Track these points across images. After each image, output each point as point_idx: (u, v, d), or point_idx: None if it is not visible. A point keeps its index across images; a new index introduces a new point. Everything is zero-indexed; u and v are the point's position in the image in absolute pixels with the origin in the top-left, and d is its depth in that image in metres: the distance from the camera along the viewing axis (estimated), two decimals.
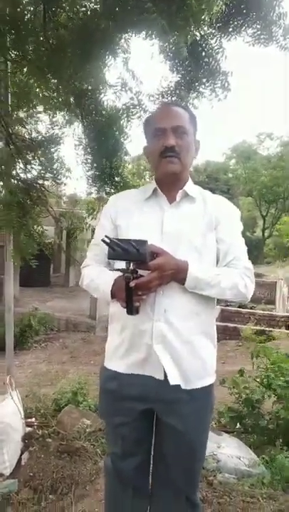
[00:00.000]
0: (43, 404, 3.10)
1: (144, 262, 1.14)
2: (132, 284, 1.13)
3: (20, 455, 2.34)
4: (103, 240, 1.13)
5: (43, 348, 8.61)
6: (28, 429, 2.60)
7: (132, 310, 1.18)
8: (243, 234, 1.40)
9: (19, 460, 2.31)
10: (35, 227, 2.81)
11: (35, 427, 2.71)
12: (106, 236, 1.13)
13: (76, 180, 3.64)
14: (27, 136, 3.27)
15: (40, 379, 5.34)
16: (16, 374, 5.47)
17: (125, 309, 1.18)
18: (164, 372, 1.24)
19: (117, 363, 1.34)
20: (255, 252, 24.73)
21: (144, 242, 1.12)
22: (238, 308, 11.05)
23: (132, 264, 1.14)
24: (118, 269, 1.17)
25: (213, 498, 2.11)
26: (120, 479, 1.42)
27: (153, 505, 1.45)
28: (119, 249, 1.10)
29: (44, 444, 2.48)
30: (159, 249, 1.20)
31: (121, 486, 1.42)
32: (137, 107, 3.08)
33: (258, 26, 2.82)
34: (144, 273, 1.17)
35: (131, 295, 1.15)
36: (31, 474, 2.18)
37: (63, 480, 2.15)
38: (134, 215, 1.34)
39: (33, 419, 2.84)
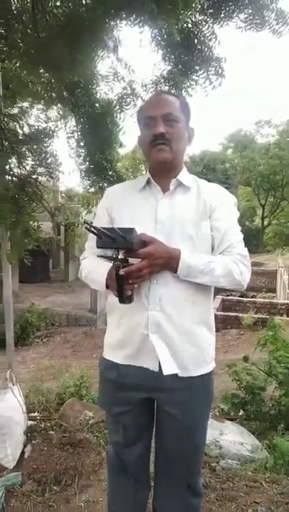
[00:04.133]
0: (46, 398, 3.12)
1: (132, 249, 1.14)
2: (122, 272, 1.12)
3: (23, 448, 2.36)
4: (87, 229, 1.12)
5: (44, 343, 8.65)
6: (31, 422, 2.62)
7: (123, 298, 1.17)
8: (242, 223, 1.39)
9: (22, 453, 2.32)
10: (30, 222, 2.79)
11: (38, 420, 2.73)
12: (90, 225, 1.11)
13: (69, 174, 3.63)
14: (20, 131, 3.25)
15: (42, 374, 5.36)
16: (19, 369, 5.51)
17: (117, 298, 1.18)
18: (159, 363, 1.23)
19: (114, 353, 1.34)
20: (255, 241, 24.73)
21: (131, 229, 1.12)
22: (240, 298, 11.09)
23: (121, 253, 1.14)
24: (106, 257, 1.17)
25: (216, 484, 2.13)
26: (122, 467, 1.43)
27: (155, 493, 1.46)
28: (106, 237, 1.09)
29: (47, 436, 2.49)
30: (150, 237, 1.20)
31: (122, 474, 1.43)
32: (131, 96, 3.04)
33: (250, 11, 2.77)
34: (135, 262, 1.16)
35: (121, 283, 1.15)
36: (34, 467, 2.19)
37: (67, 471, 2.16)
38: (128, 206, 1.33)
39: (36, 413, 2.86)
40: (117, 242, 1.09)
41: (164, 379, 1.24)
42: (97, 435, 2.55)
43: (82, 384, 3.26)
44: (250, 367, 3.24)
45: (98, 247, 1.15)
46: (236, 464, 2.36)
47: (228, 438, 2.55)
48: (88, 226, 1.11)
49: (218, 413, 3.22)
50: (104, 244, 1.12)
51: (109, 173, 3.20)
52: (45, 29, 2.40)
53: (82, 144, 3.22)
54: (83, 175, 3.22)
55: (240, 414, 3.12)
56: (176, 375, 1.24)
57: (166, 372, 1.22)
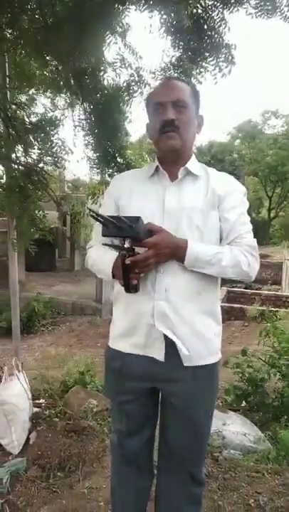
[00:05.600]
0: (51, 386, 3.16)
1: (138, 238, 1.13)
2: (128, 261, 1.11)
3: (29, 434, 2.39)
4: (93, 217, 1.10)
5: (50, 331, 8.73)
6: (36, 409, 2.65)
7: (129, 288, 1.17)
8: (249, 214, 1.37)
9: (27, 439, 2.36)
10: (36, 211, 2.79)
11: (43, 407, 2.76)
12: (96, 213, 1.10)
13: (77, 162, 3.59)
14: (26, 119, 3.22)
15: (48, 362, 5.42)
16: (25, 357, 5.58)
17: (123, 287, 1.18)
18: (164, 353, 1.24)
19: (120, 342, 1.34)
20: (261, 233, 24.54)
21: (137, 218, 1.10)
22: (244, 289, 11.06)
23: (127, 242, 1.13)
24: (112, 246, 1.16)
25: (218, 474, 2.15)
26: (125, 456, 1.44)
27: (158, 482, 1.47)
28: (112, 226, 1.08)
29: (51, 423, 2.53)
30: (157, 227, 1.19)
31: (125, 463, 1.44)
32: (138, 84, 2.99)
33: None
34: (142, 251, 1.15)
35: (127, 272, 1.14)
36: (39, 453, 2.23)
37: (71, 458, 2.20)
38: (136, 194, 1.32)
39: (41, 400, 2.89)
40: (124, 230, 1.08)
41: (169, 369, 1.24)
42: (100, 423, 2.58)
43: (87, 372, 3.29)
44: (251, 358, 3.24)
45: (104, 236, 1.14)
46: (239, 454, 2.37)
47: (231, 428, 2.56)
48: (94, 214, 1.09)
49: (221, 404, 3.24)
50: (110, 233, 1.11)
51: (119, 160, 3.16)
52: (52, 16, 2.36)
53: (90, 131, 3.18)
54: (92, 164, 3.18)
55: (242, 405, 3.13)
56: (180, 365, 1.24)
57: (187, 352, 1.22)
